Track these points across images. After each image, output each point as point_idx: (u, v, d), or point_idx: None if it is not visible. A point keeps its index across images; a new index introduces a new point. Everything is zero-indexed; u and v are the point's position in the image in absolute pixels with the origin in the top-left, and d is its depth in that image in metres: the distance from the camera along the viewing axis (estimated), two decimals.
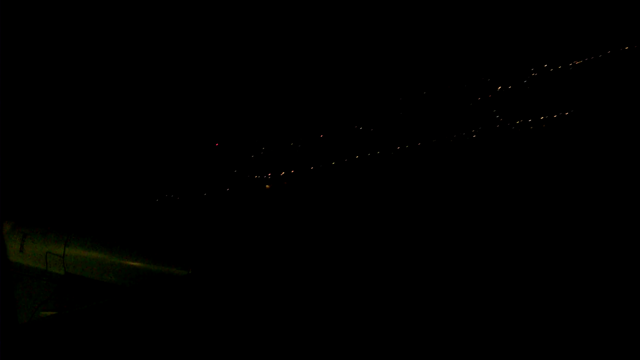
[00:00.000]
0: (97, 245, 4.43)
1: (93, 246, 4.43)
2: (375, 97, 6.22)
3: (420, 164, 5.86)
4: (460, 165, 5.66)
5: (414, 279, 3.66)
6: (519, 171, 5.27)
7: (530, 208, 4.59)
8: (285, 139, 6.15)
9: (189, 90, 6.29)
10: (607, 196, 4.52)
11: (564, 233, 4.03)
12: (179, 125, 6.22)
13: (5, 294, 3.05)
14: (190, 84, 6.30)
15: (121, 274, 4.27)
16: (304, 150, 6.11)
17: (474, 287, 3.49)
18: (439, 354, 3.06)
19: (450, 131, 6.05)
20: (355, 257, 4.12)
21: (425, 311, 3.29)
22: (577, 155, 5.29)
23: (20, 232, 4.69)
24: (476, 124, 6.08)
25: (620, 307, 3.27)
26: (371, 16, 6.27)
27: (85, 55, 6.16)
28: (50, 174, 5.83)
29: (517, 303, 3.33)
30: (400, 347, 3.07)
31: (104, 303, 4.18)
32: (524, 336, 3.17)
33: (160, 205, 5.54)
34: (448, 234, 4.31)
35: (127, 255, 4.31)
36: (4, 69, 5.82)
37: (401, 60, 6.29)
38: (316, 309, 3.53)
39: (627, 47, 5.59)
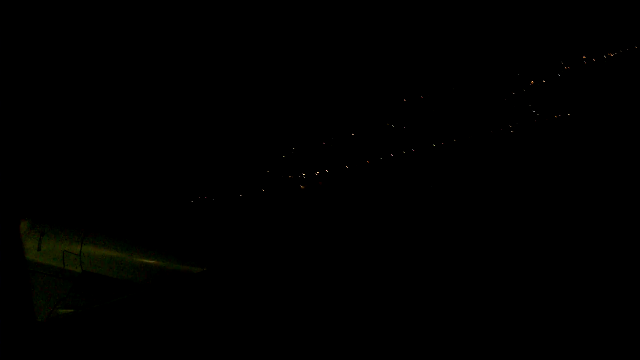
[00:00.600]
0: (113, 243, 4.47)
1: (109, 244, 4.47)
2: (407, 93, 6.13)
3: (459, 162, 5.75)
4: (499, 163, 5.54)
5: (455, 282, 3.63)
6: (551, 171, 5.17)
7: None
8: (317, 138, 6.09)
9: (217, 89, 6.29)
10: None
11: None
12: (201, 124, 6.22)
13: (23, 292, 3.09)
14: (218, 82, 6.29)
15: (137, 272, 4.30)
16: (336, 149, 6.04)
17: (502, 289, 3.46)
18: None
19: (486, 128, 5.95)
20: (387, 257, 4.07)
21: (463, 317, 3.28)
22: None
23: (38, 231, 4.73)
24: (509, 121, 5.98)
25: (620, 308, 3.22)
26: (398, 12, 6.21)
27: (101, 52, 6.20)
28: (67, 173, 5.89)
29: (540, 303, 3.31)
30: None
31: (119, 301, 4.21)
32: (526, 336, 3.14)
33: (193, 206, 5.54)
34: (491, 233, 4.25)
35: (143, 253, 4.33)
36: (16, 69, 5.90)
37: (433, 55, 6.21)
38: (334, 310, 3.52)
39: None
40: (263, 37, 6.39)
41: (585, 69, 6.09)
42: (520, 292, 3.43)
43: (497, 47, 6.31)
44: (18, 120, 5.87)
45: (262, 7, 6.34)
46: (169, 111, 6.26)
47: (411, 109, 6.22)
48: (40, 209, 5.05)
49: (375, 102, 6.29)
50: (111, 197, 5.66)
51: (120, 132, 6.12)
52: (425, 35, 6.33)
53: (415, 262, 3.98)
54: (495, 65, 6.25)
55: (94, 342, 3.76)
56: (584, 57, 6.08)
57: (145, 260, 4.31)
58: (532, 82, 6.14)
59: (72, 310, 4.31)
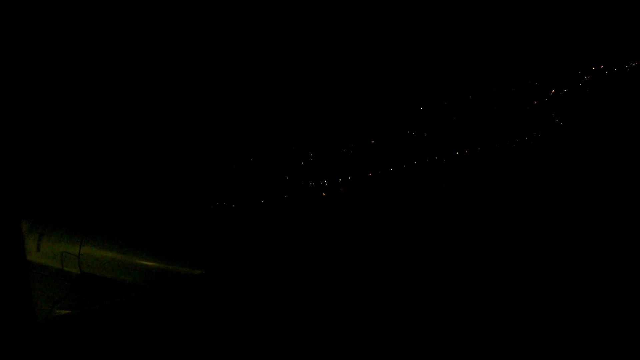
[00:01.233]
0: (112, 244, 4.48)
1: (108, 246, 4.48)
2: (429, 101, 6.13)
3: (482, 170, 5.72)
4: (521, 172, 5.53)
5: (481, 293, 3.62)
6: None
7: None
8: (338, 144, 6.06)
9: (231, 90, 6.28)
10: None
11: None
12: (205, 125, 6.21)
13: (24, 292, 3.09)
14: (234, 84, 6.28)
15: (136, 274, 4.31)
16: (359, 156, 6.01)
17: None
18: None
19: (509, 137, 5.94)
20: (408, 266, 4.05)
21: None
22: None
23: (37, 231, 4.75)
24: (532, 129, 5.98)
25: (620, 308, 3.23)
26: (424, 18, 6.24)
27: (101, 51, 6.21)
28: (67, 173, 5.90)
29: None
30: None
31: (117, 302, 4.22)
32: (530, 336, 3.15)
33: (213, 212, 5.53)
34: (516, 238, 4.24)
35: (142, 254, 4.35)
36: (18, 69, 5.92)
37: (456, 63, 6.22)
38: (342, 318, 3.52)
39: None
40: (285, 42, 6.39)
41: (606, 77, 6.09)
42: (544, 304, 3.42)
43: (519, 54, 6.31)
44: (17, 120, 5.88)
45: (284, 12, 6.35)
46: (171, 112, 6.27)
47: (435, 117, 6.20)
48: (39, 210, 5.06)
49: (399, 109, 6.25)
50: (111, 199, 5.67)
51: (120, 133, 6.13)
52: (449, 44, 6.34)
53: (439, 272, 3.95)
54: (518, 73, 6.26)
55: (91, 343, 3.75)
56: (602, 66, 6.09)
57: (144, 262, 4.33)
58: (553, 91, 6.14)
59: (70, 312, 4.32)
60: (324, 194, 5.78)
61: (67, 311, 4.29)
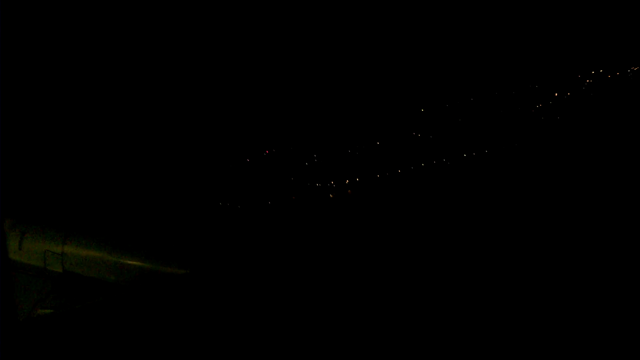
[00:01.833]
0: (96, 243, 4.45)
1: (92, 244, 4.45)
2: (437, 102, 6.11)
3: (490, 172, 5.70)
4: (528, 175, 5.54)
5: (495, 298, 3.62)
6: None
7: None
8: (344, 145, 6.00)
9: (228, 88, 6.22)
10: None
11: None
12: (192, 122, 6.15)
13: (5, 292, 3.06)
14: (233, 82, 6.22)
15: (120, 273, 4.29)
16: (367, 158, 5.95)
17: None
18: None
19: (515, 138, 5.95)
20: (416, 270, 4.03)
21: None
22: None
23: (19, 229, 4.69)
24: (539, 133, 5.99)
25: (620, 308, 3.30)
26: (432, 20, 6.24)
27: (91, 50, 6.15)
28: (49, 171, 5.83)
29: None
30: None
31: (100, 301, 4.19)
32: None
33: (219, 213, 5.47)
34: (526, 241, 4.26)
35: (126, 254, 4.32)
36: (2, 68, 5.83)
37: (461, 64, 6.22)
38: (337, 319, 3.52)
39: None
40: (291, 43, 6.34)
41: (608, 81, 6.13)
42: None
43: (524, 56, 6.34)
44: None
45: (295, 14, 6.30)
46: (155, 109, 6.21)
47: (444, 119, 6.18)
48: (22, 208, 5.00)
49: (407, 110, 6.21)
50: (95, 197, 5.62)
51: (104, 130, 6.07)
52: (458, 44, 6.34)
53: (449, 276, 3.94)
54: (524, 75, 6.28)
55: (73, 343, 3.73)
56: (602, 70, 6.14)
57: (128, 261, 4.30)
58: (556, 94, 6.17)
59: (52, 311, 4.28)
60: (330, 195, 5.75)
61: (49, 311, 4.25)
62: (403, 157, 5.96)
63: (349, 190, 5.80)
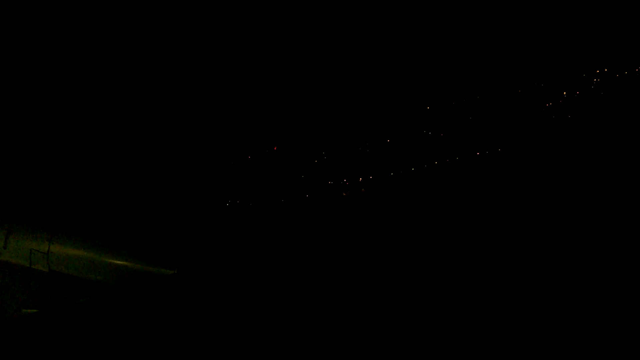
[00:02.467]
0: (82, 243, 4.40)
1: (78, 244, 4.40)
2: (448, 99, 6.06)
3: (503, 170, 5.67)
4: (538, 173, 5.51)
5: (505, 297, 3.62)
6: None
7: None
8: (357, 142, 5.94)
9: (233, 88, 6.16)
10: None
11: None
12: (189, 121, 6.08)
13: None
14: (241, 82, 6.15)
15: (106, 273, 4.25)
16: (381, 156, 5.89)
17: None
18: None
19: (528, 136, 5.91)
20: (429, 269, 4.01)
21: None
22: None
23: (5, 228, 4.64)
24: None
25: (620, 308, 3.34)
26: (443, 20, 6.21)
27: (78, 47, 6.08)
28: (36, 170, 5.77)
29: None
30: None
31: (86, 301, 4.15)
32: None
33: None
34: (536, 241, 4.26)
35: (113, 253, 4.28)
36: None
37: (473, 61, 6.18)
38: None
39: None
40: (304, 42, 6.28)
41: (618, 81, 6.11)
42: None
43: (535, 57, 6.32)
44: None
45: (307, 14, 6.24)
46: (140, 110, 6.15)
47: (458, 117, 6.13)
48: (8, 206, 4.94)
49: (420, 108, 6.14)
50: (81, 196, 5.57)
51: (91, 131, 6.01)
52: (469, 44, 6.31)
53: (462, 274, 3.93)
54: (537, 74, 6.25)
55: (58, 343, 3.70)
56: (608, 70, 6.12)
57: (115, 261, 4.26)
58: (565, 93, 6.14)
59: (37, 311, 4.23)
60: (344, 193, 5.69)
61: (34, 310, 4.20)
62: (415, 156, 5.92)
63: (362, 189, 5.75)
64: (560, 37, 6.34)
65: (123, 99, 6.15)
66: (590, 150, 5.70)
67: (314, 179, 5.76)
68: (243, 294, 3.88)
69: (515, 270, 3.92)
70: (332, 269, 4.13)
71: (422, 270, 4.06)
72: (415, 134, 6.03)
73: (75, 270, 4.35)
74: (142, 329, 3.65)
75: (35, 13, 5.91)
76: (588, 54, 6.28)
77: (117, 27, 6.08)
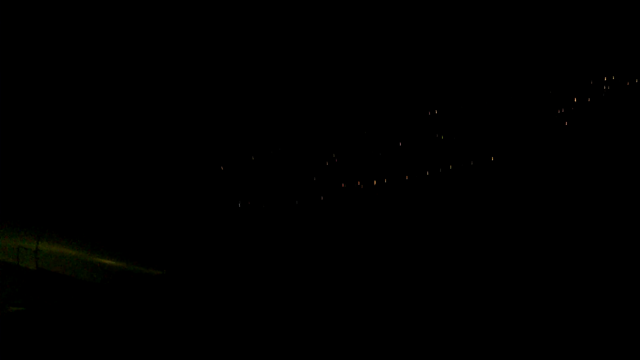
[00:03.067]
0: (71, 241, 4.40)
1: (67, 242, 4.39)
2: (461, 105, 6.07)
3: (519, 176, 5.68)
4: (550, 178, 5.53)
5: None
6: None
7: None
8: (378, 146, 5.93)
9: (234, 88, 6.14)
10: None
11: None
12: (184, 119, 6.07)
13: None
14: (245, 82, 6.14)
15: (95, 272, 4.25)
16: (397, 159, 5.87)
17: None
18: None
19: (542, 141, 5.91)
20: (442, 275, 4.02)
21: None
22: None
23: None
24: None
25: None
26: (461, 26, 6.24)
27: (69, 47, 6.07)
28: (25, 166, 5.74)
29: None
30: None
31: (75, 301, 4.15)
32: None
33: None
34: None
35: (102, 252, 4.29)
36: None
37: (489, 66, 6.20)
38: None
39: None
40: (320, 45, 6.25)
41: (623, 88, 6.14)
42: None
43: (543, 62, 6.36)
44: None
45: (322, 17, 6.23)
46: (131, 108, 6.13)
47: (475, 122, 6.09)
48: None
49: (433, 112, 6.11)
50: (71, 193, 5.55)
51: (82, 126, 5.99)
52: (485, 50, 6.32)
53: (480, 282, 3.97)
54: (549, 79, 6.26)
55: (44, 342, 3.69)
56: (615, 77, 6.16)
57: (104, 261, 4.27)
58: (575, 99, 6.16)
59: (24, 308, 4.21)
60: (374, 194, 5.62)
61: (20, 309, 4.18)
62: (429, 160, 5.87)
63: (376, 193, 5.70)
64: (573, 44, 6.39)
65: (112, 97, 6.13)
66: (603, 156, 5.72)
67: (313, 179, 5.76)
68: (233, 296, 3.90)
69: (524, 274, 3.97)
70: (333, 268, 4.16)
71: (438, 274, 4.08)
72: (430, 137, 6.00)
73: (64, 268, 4.34)
74: (130, 329, 3.66)
75: (35, 13, 5.89)
76: (600, 61, 6.33)
77: (117, 27, 6.08)
